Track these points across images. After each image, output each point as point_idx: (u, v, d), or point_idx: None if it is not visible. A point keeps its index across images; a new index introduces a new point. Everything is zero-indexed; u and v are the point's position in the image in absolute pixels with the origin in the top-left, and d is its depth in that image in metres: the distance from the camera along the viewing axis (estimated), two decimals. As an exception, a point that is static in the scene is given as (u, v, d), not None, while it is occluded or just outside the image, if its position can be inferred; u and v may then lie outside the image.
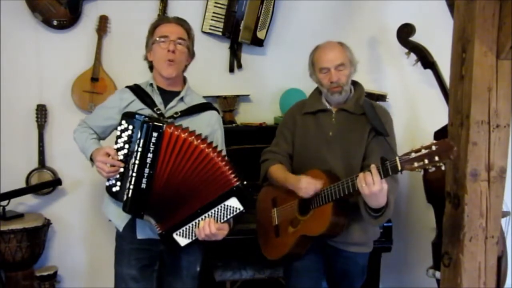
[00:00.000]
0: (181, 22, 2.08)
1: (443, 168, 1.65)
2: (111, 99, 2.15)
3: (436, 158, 1.64)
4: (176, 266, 2.12)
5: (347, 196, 1.95)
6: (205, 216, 1.89)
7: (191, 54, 2.11)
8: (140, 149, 1.88)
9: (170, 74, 2.04)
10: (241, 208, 1.88)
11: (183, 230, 1.94)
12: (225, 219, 1.90)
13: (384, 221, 1.94)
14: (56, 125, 2.98)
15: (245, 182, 1.88)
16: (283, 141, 2.28)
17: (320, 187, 2.02)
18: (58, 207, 3.03)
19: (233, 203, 1.88)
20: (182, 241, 1.95)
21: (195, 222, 1.91)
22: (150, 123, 1.87)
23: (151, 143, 1.87)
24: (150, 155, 1.87)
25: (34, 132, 2.93)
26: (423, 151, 1.67)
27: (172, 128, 1.88)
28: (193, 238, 1.93)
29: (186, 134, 1.87)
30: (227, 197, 1.88)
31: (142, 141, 1.88)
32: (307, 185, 2.03)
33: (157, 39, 2.02)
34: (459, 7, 1.90)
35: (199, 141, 1.87)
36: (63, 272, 3.03)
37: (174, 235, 1.94)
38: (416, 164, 1.69)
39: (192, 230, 1.92)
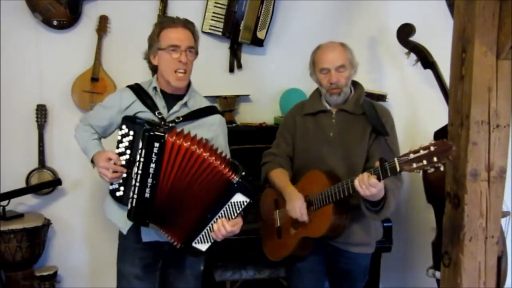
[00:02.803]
0: (188, 25, 2.01)
1: (441, 169, 1.65)
2: (111, 98, 2.12)
3: (435, 159, 1.63)
4: (179, 265, 2.12)
5: (347, 197, 1.95)
6: (216, 218, 1.90)
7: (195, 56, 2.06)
8: (142, 159, 1.85)
9: (180, 85, 2.01)
10: (248, 200, 1.89)
11: (200, 237, 1.94)
12: (236, 214, 1.90)
13: (387, 214, 1.94)
14: (56, 125, 2.98)
15: (243, 173, 1.88)
16: (284, 143, 2.28)
17: (306, 220, 2.05)
18: (58, 207, 3.02)
19: (239, 198, 1.88)
20: (203, 247, 1.96)
21: (209, 227, 1.91)
22: (152, 133, 1.83)
23: (153, 154, 1.84)
24: (152, 165, 1.85)
25: (34, 132, 2.92)
26: (422, 152, 1.67)
27: (174, 137, 1.84)
28: (212, 241, 1.94)
29: (188, 143, 1.84)
30: (231, 195, 1.88)
31: (144, 151, 1.85)
32: (294, 210, 2.06)
33: (166, 47, 1.96)
34: (459, 7, 1.90)
35: (201, 149, 1.85)
36: (63, 272, 3.03)
37: (194, 244, 1.95)
38: (415, 165, 1.69)
39: (209, 234, 1.93)
